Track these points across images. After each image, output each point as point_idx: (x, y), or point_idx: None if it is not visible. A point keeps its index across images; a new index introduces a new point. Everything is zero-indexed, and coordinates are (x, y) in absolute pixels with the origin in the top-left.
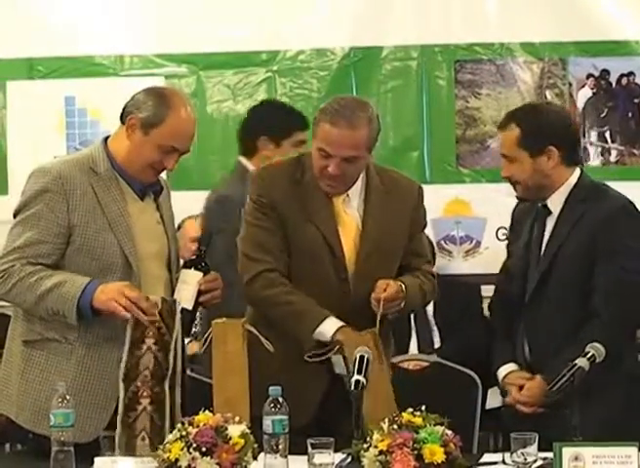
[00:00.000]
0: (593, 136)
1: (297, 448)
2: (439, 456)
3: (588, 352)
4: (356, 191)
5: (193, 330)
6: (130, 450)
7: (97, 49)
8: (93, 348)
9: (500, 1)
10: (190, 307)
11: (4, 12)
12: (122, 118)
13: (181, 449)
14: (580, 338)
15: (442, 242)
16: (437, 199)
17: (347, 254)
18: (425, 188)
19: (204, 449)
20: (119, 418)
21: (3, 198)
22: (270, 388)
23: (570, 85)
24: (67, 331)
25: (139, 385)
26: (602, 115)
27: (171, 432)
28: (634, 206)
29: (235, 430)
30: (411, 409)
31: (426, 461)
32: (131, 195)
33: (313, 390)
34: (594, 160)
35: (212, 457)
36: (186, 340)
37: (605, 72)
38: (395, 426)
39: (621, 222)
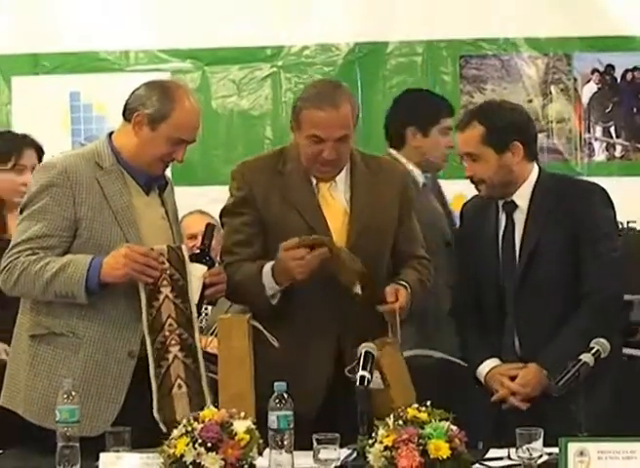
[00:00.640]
0: (598, 131)
1: (305, 437)
2: (444, 452)
3: (593, 347)
4: (341, 176)
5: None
6: (168, 402)
7: (102, 44)
8: (101, 341)
9: None
10: (196, 301)
11: (9, 7)
12: (125, 114)
13: (187, 445)
14: (574, 321)
15: None
16: None
17: (337, 239)
18: None
19: (209, 445)
20: (151, 372)
21: None
22: (275, 384)
23: (575, 80)
24: (75, 324)
25: (166, 335)
26: (607, 110)
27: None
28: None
29: (241, 426)
30: (416, 405)
31: (432, 457)
32: (136, 189)
33: (318, 376)
34: (599, 155)
35: (217, 453)
36: None
37: (610, 67)
38: (400, 422)
39: (601, 204)
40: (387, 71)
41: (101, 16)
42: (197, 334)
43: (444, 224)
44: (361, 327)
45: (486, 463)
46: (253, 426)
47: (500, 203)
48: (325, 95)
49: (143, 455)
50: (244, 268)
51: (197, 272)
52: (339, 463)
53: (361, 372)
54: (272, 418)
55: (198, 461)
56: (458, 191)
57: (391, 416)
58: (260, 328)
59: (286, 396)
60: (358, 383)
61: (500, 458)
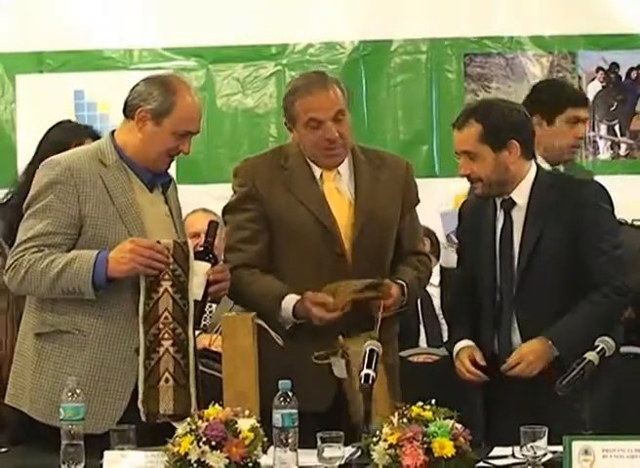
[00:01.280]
0: (603, 129)
1: (312, 436)
2: (449, 450)
3: (598, 346)
4: (345, 168)
5: (203, 322)
6: (153, 394)
7: (106, 42)
8: (106, 338)
9: None
10: (200, 298)
11: (13, 5)
12: (126, 111)
13: (191, 443)
14: (580, 305)
15: (452, 235)
16: (447, 192)
17: (342, 230)
18: (435, 182)
19: (214, 443)
20: (140, 363)
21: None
22: (280, 382)
23: (579, 78)
24: (80, 321)
25: (160, 327)
26: (611, 108)
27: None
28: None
29: (245, 424)
30: (420, 403)
31: (436, 455)
32: (140, 186)
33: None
34: (604, 153)
35: (221, 451)
36: (196, 332)
37: (614, 65)
38: (405, 420)
39: (600, 201)
40: (392, 69)
41: (105, 14)
42: (191, 331)
43: None
44: (365, 324)
45: (490, 461)
46: (257, 424)
47: (499, 201)
48: (311, 82)
49: (148, 454)
50: (261, 283)
51: (201, 270)
52: (343, 461)
53: (365, 370)
54: (277, 416)
55: (202, 460)
56: (463, 189)
57: (395, 414)
58: (265, 326)
59: (290, 394)
60: (363, 381)
61: (505, 457)
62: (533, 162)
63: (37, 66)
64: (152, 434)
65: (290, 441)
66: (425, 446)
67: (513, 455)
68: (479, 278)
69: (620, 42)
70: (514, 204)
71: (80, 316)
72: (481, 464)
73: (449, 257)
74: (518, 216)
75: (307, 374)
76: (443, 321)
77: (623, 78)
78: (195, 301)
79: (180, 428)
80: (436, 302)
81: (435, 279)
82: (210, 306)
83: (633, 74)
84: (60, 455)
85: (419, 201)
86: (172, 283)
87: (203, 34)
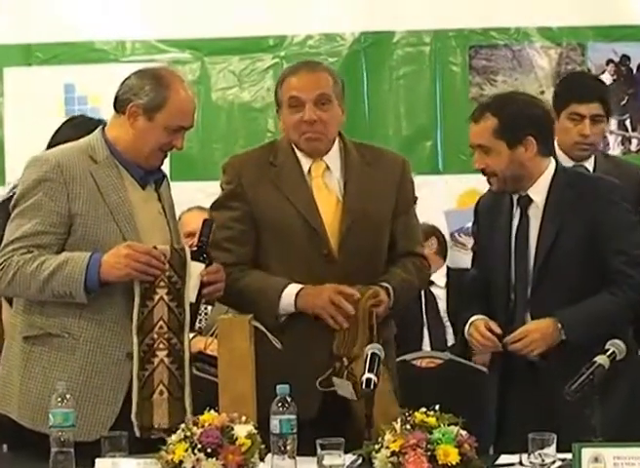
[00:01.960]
0: (613, 124)
1: (307, 443)
2: (453, 458)
3: (609, 349)
4: (335, 164)
5: (197, 324)
6: (147, 407)
7: (97, 34)
8: (97, 342)
9: None
10: (194, 300)
11: None
12: (116, 106)
13: (186, 450)
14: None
15: (456, 234)
16: (451, 190)
17: (329, 229)
18: (439, 179)
19: (209, 450)
20: (134, 374)
21: (0, 189)
22: (278, 387)
23: (589, 71)
24: (70, 324)
25: (154, 337)
26: (622, 103)
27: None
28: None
29: (241, 430)
30: (424, 409)
31: (440, 463)
32: (132, 184)
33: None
34: (614, 149)
35: (217, 459)
36: (190, 335)
37: (625, 58)
38: (408, 426)
39: (619, 200)
40: (394, 62)
41: (96, 4)
42: (187, 341)
43: None
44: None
45: None
46: (254, 431)
47: (515, 197)
48: (300, 65)
49: (141, 461)
50: (255, 277)
51: (194, 270)
52: None
53: (367, 375)
54: (274, 422)
55: (197, 467)
56: (467, 186)
57: (398, 420)
58: (262, 328)
59: (289, 399)
60: (364, 386)
61: (512, 464)
62: (551, 159)
63: (26, 59)
64: (145, 441)
65: (288, 448)
66: (429, 453)
67: (521, 463)
68: (493, 276)
69: (631, 33)
70: (531, 201)
71: (70, 319)
72: None
73: (454, 257)
74: (535, 214)
75: (306, 379)
76: (448, 323)
77: (635, 71)
78: (189, 304)
79: (175, 435)
80: (441, 305)
81: (441, 280)
82: (205, 308)
83: None
84: (50, 463)
85: (416, 200)
86: (167, 290)
87: (198, 25)
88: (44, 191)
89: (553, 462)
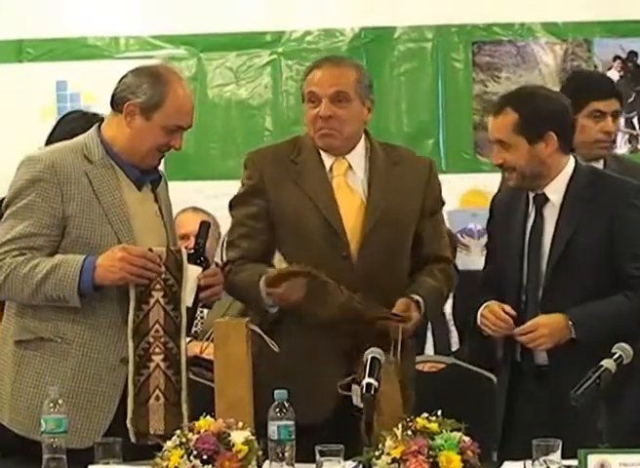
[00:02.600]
0: (620, 122)
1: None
2: (456, 464)
3: (615, 353)
4: (360, 164)
5: (193, 329)
6: (143, 413)
7: (90, 30)
8: (91, 347)
9: None
10: (190, 304)
11: None
12: (113, 104)
13: (181, 457)
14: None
15: (459, 235)
16: (453, 190)
17: (350, 231)
18: (441, 178)
19: (205, 457)
20: (129, 379)
21: None
22: (276, 392)
23: (595, 67)
24: (63, 328)
25: (150, 341)
26: (630, 100)
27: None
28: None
29: (238, 436)
30: (426, 414)
31: None
32: (127, 184)
33: (328, 384)
34: (621, 147)
35: (213, 465)
36: (187, 339)
37: (633, 54)
38: (409, 432)
39: (637, 201)
40: (395, 58)
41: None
42: (184, 346)
43: None
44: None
45: None
46: (252, 437)
47: (531, 195)
48: (326, 59)
49: None
50: (247, 269)
51: (191, 274)
52: None
53: (367, 380)
54: (272, 429)
55: None
56: (470, 186)
57: (399, 426)
58: (260, 332)
59: (287, 405)
60: (365, 391)
61: None
62: (571, 156)
63: (17, 55)
64: (140, 447)
65: (286, 455)
66: (431, 460)
67: None
68: (505, 276)
69: (638, 29)
70: (547, 200)
71: (63, 323)
72: None
73: (459, 258)
74: (550, 214)
75: (306, 384)
76: (453, 327)
77: None
78: (186, 308)
79: (170, 441)
80: (446, 308)
81: None
82: (201, 311)
83: None
84: None
85: (444, 203)
86: (163, 293)
87: (193, 21)
88: (37, 192)
89: None
